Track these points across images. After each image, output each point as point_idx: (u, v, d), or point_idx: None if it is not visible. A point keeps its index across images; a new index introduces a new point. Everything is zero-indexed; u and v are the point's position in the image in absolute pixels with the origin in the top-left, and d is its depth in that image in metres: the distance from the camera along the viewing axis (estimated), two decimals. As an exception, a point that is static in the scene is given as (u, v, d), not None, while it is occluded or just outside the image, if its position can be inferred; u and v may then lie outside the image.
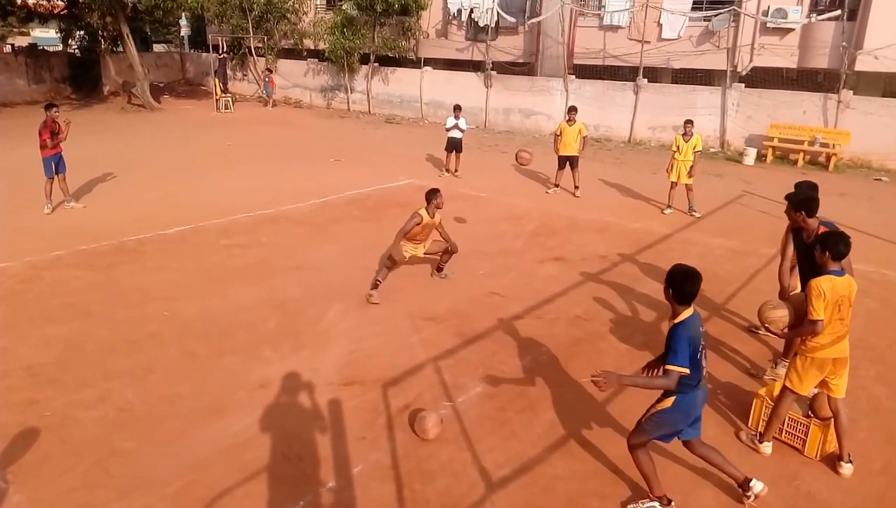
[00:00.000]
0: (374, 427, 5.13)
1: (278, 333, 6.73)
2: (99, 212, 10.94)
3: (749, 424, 5.24)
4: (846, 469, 4.67)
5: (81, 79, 27.11)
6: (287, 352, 6.32)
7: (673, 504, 4.26)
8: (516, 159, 12.09)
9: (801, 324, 4.67)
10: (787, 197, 5.69)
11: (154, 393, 5.57)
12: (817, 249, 4.64)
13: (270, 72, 26.57)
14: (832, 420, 4.77)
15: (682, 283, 3.91)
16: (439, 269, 8.39)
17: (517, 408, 5.47)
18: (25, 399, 5.38)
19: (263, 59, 26.87)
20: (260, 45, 26.61)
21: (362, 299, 7.61)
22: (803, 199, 5.50)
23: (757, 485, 4.23)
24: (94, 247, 9.10)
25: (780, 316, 4.87)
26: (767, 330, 5.01)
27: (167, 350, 6.33)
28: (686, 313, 3.93)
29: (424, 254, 7.97)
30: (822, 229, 5.33)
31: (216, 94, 25.03)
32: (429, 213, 7.61)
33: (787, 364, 5.80)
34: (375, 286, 7.58)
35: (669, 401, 4.04)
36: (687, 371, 3.82)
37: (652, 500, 4.28)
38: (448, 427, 5.13)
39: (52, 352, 6.18)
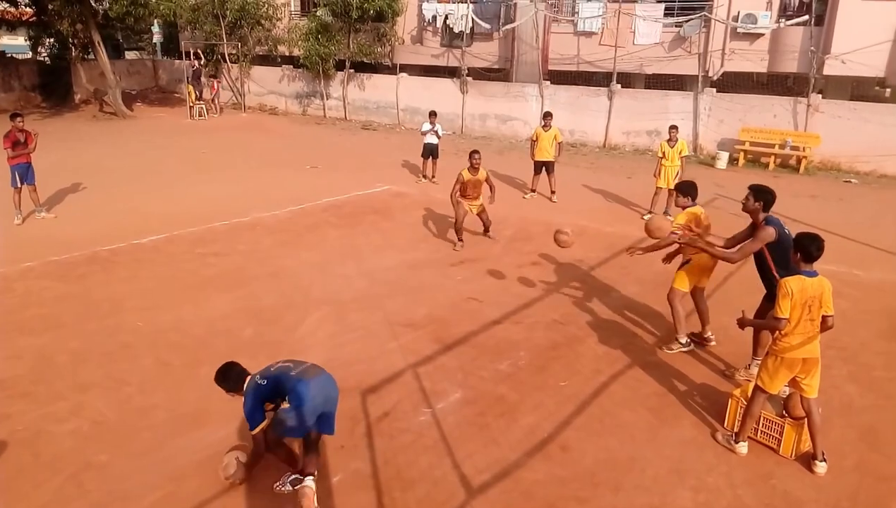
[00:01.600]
0: (353, 435, 5.10)
1: (255, 342, 6.67)
2: (70, 222, 10.75)
3: (725, 424, 5.30)
4: (820, 467, 4.75)
5: (52, 87, 26.62)
6: (264, 361, 6.16)
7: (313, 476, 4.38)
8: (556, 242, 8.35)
9: (768, 318, 4.78)
10: (751, 186, 5.83)
11: (128, 404, 5.49)
12: (791, 250, 4.76)
13: (213, 77, 26.38)
14: (806, 419, 4.85)
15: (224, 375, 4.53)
16: (486, 232, 10.27)
17: (496, 413, 5.48)
18: (-5, 413, 5.26)
19: (237, 65, 26.66)
20: (234, 51, 26.40)
21: (340, 306, 7.58)
22: (763, 190, 5.71)
23: (307, 481, 4.29)
24: (65, 258, 8.94)
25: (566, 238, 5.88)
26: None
27: (141, 360, 6.23)
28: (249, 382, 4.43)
29: (476, 214, 10.04)
30: (762, 224, 5.62)
31: (190, 102, 24.78)
32: (470, 172, 9.61)
33: (759, 364, 5.91)
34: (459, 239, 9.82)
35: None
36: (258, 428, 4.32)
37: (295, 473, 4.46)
38: (428, 434, 5.12)
39: (24, 365, 6.06)
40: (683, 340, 6.67)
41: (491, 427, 5.28)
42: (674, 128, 11.78)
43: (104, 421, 5.23)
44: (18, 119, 10.53)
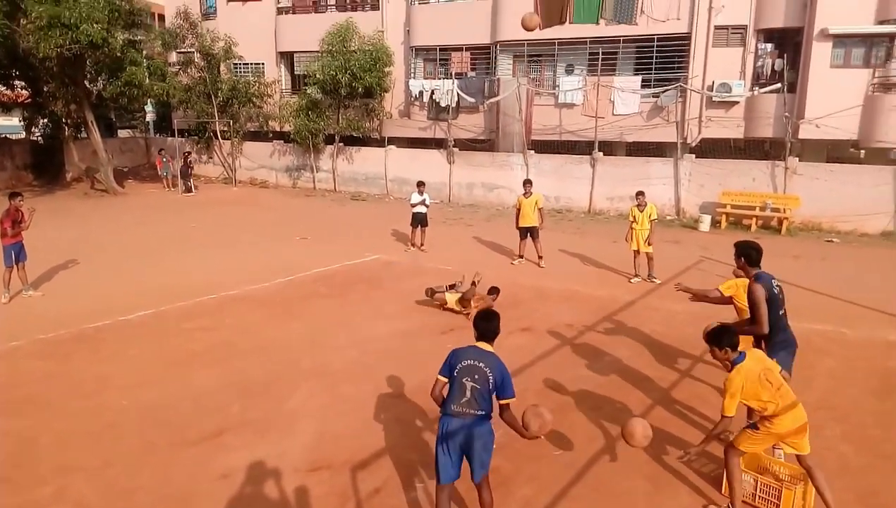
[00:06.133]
0: (343, 512, 4.97)
1: (242, 418, 6.55)
2: (58, 299, 10.69)
3: (722, 491, 5.21)
4: None
5: (44, 165, 26.94)
6: (251, 438, 6.14)
7: None
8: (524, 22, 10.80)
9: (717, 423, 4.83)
10: (735, 243, 6.00)
11: (112, 487, 5.33)
12: (716, 346, 4.83)
13: (161, 151, 27.00)
14: (810, 479, 4.81)
15: (483, 322, 4.61)
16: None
17: (490, 486, 5.35)
18: (-27, 500, 5.10)
19: (229, 141, 27.21)
20: (225, 128, 26.99)
21: (330, 378, 7.51)
22: (744, 246, 5.87)
23: None
24: (52, 337, 8.84)
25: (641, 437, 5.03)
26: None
27: (126, 440, 6.10)
28: (477, 345, 4.58)
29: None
30: (752, 282, 5.63)
31: (166, 182, 26.05)
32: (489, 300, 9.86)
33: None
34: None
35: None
36: (443, 379, 4.50)
37: None
38: (420, 509, 5.00)
39: (6, 448, 5.90)
40: None
41: (485, 500, 5.15)
42: (640, 193, 12.12)
43: (88, 505, 5.07)
44: (18, 198, 10.67)
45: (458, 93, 22.38)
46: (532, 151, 21.29)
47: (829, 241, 16.05)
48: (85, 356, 8.22)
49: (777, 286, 5.67)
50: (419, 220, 14.58)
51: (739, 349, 4.81)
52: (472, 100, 22.31)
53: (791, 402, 4.66)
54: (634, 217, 11.90)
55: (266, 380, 7.44)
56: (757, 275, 5.68)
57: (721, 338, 4.78)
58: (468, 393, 4.39)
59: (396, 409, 6.75)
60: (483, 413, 4.44)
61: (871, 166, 17.48)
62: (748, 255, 5.77)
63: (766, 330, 5.48)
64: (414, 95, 23.80)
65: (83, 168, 26.37)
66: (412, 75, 24.29)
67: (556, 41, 21.47)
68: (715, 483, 5.32)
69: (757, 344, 5.78)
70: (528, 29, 10.82)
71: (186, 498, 5.17)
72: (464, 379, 4.40)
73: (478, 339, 4.58)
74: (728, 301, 6.94)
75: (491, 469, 5.55)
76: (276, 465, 5.63)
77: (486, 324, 4.57)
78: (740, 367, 4.69)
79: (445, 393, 4.50)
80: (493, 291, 10.20)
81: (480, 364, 4.42)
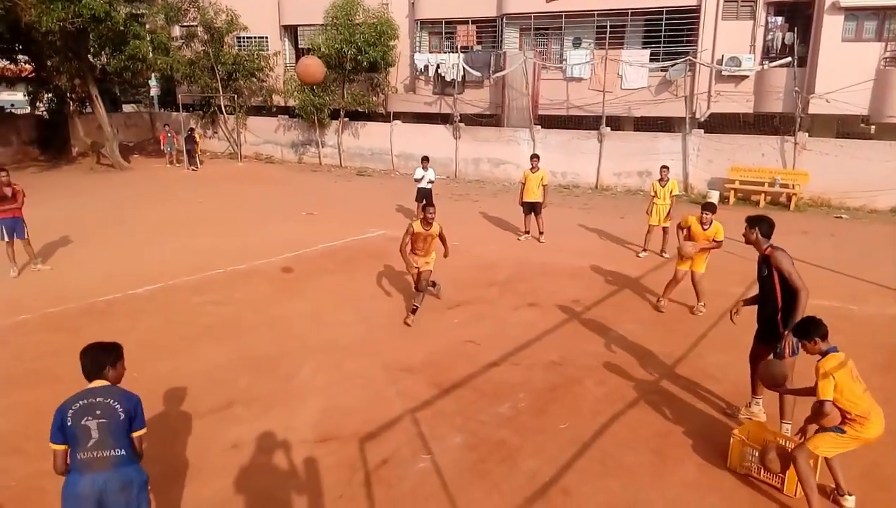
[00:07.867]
0: (351, 484, 5.03)
1: (251, 392, 6.61)
2: (67, 273, 10.74)
3: (728, 464, 5.24)
4: (849, 501, 4.72)
5: (49, 140, 26.93)
6: (260, 411, 6.20)
7: None
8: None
9: (813, 410, 4.50)
10: (747, 218, 5.89)
11: (123, 458, 5.40)
12: (805, 339, 4.58)
13: (166, 126, 26.93)
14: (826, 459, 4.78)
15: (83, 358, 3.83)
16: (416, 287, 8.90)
17: (497, 459, 5.41)
18: (-13, 470, 5.18)
19: (233, 116, 27.09)
20: (229, 103, 26.84)
21: (336, 353, 7.55)
22: (758, 219, 5.76)
23: None
24: (61, 310, 8.90)
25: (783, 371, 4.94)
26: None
27: (137, 413, 6.16)
28: (90, 386, 3.77)
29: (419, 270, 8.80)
30: (770, 250, 5.57)
31: (170, 158, 25.89)
32: (422, 226, 8.70)
33: (759, 402, 5.93)
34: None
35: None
36: (60, 447, 3.52)
37: None
38: (428, 482, 5.05)
39: (18, 420, 5.98)
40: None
41: (492, 473, 5.21)
42: (665, 168, 11.97)
43: (98, 475, 5.15)
44: (3, 173, 10.41)
45: (463, 67, 22.14)
46: (539, 126, 21.12)
47: (837, 217, 15.94)
48: (94, 329, 8.25)
49: None
50: (424, 196, 14.50)
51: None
52: (478, 74, 22.08)
53: (876, 407, 4.44)
54: (656, 191, 11.81)
55: (273, 355, 7.49)
56: (773, 247, 5.64)
57: (808, 331, 4.49)
58: (94, 433, 3.50)
59: (403, 383, 6.79)
60: (123, 454, 3.57)
61: (881, 142, 17.27)
62: (762, 228, 5.68)
63: (805, 292, 5.34)
64: (419, 69, 23.56)
65: (89, 143, 26.35)
66: (417, 49, 24.02)
67: (564, 14, 21.15)
68: (721, 458, 5.35)
69: (770, 327, 5.71)
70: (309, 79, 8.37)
71: (197, 467, 5.24)
72: (83, 421, 3.52)
73: (89, 380, 3.80)
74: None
75: (497, 442, 5.65)
76: (285, 437, 5.69)
77: (89, 359, 3.86)
78: (836, 354, 4.44)
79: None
80: (427, 205, 8.99)
81: (99, 398, 3.64)
